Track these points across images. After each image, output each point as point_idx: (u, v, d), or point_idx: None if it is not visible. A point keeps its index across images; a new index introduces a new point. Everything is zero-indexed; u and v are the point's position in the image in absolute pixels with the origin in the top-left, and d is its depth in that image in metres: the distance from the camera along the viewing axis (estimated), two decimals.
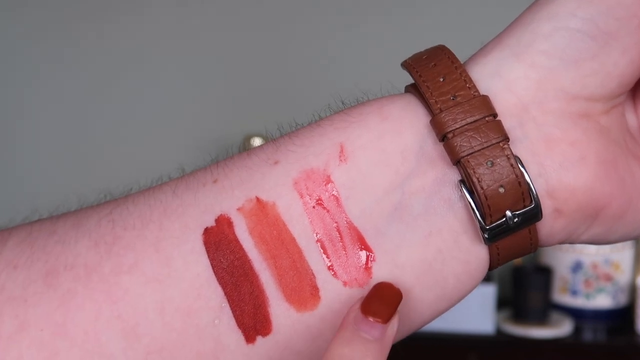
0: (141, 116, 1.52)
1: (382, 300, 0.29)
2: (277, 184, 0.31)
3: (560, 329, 1.32)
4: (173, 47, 1.52)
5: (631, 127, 0.34)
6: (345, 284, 0.30)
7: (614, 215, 0.32)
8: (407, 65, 0.32)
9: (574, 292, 1.37)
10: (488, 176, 0.30)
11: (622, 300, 1.37)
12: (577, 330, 1.34)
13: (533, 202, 0.30)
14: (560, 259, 1.37)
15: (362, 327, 0.29)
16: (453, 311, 1.27)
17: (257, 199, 0.31)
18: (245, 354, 0.30)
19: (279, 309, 0.30)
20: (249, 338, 0.30)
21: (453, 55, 0.32)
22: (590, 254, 1.35)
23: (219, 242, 0.30)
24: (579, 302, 1.36)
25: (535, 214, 0.31)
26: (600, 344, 1.34)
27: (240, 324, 0.30)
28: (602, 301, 1.36)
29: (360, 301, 0.29)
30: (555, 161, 0.31)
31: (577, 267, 1.36)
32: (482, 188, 0.30)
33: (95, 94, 1.52)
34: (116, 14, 1.51)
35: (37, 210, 0.34)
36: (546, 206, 0.31)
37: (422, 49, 0.33)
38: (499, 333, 1.34)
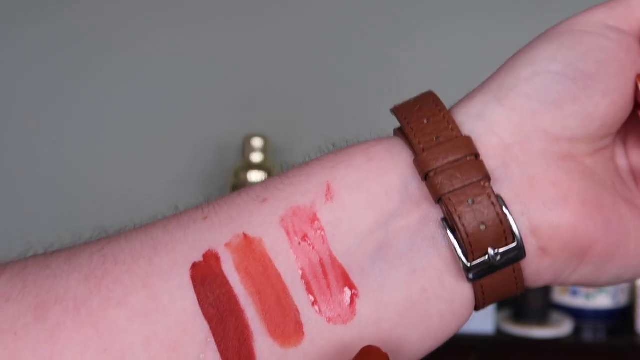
0: (141, 117, 1.52)
1: None
2: (264, 221, 0.31)
3: (560, 329, 1.32)
4: (173, 47, 1.52)
5: (622, 171, 0.34)
6: (329, 320, 0.31)
7: (601, 256, 0.32)
8: (394, 109, 0.33)
9: (574, 292, 1.37)
10: (469, 214, 0.30)
11: (622, 300, 1.37)
12: (577, 330, 1.34)
13: (515, 240, 0.31)
14: None
15: None
16: None
17: (245, 235, 0.31)
18: None
19: (264, 344, 0.30)
20: None
21: (438, 99, 0.33)
22: None
23: (206, 277, 0.31)
24: (579, 302, 1.36)
25: (518, 251, 0.31)
26: (600, 344, 1.34)
27: (225, 359, 0.30)
28: (602, 301, 1.36)
29: None
30: (538, 201, 0.31)
31: None
32: (463, 225, 0.30)
33: (94, 94, 1.52)
34: (115, 14, 1.51)
35: (32, 247, 0.34)
36: (530, 244, 0.31)
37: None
38: (499, 333, 1.34)
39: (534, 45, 0.33)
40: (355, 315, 0.31)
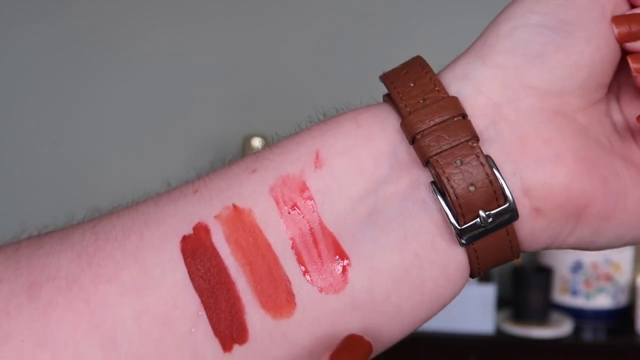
0: (141, 117, 1.52)
1: (352, 352, 0.29)
2: (254, 191, 0.31)
3: (560, 329, 1.32)
4: (173, 47, 1.52)
5: (619, 127, 0.34)
6: (321, 290, 0.30)
7: (598, 215, 0.31)
8: (382, 76, 0.33)
9: (574, 292, 1.37)
10: (457, 175, 0.30)
11: (622, 300, 1.37)
12: (577, 330, 1.34)
13: (507, 201, 0.30)
14: (560, 259, 1.37)
15: None
16: (453, 311, 1.27)
17: (234, 206, 0.31)
18: None
19: (255, 316, 0.30)
20: (226, 346, 0.30)
21: (425, 63, 0.32)
22: (590, 253, 1.35)
23: (196, 250, 0.30)
24: (579, 302, 1.36)
25: (511, 213, 0.30)
26: (600, 344, 1.34)
27: (217, 332, 0.30)
28: (602, 301, 1.36)
29: (329, 352, 0.29)
30: (529, 159, 0.30)
31: (577, 267, 1.36)
32: (452, 187, 0.30)
33: (94, 94, 1.52)
34: (115, 14, 1.51)
35: (27, 229, 0.34)
36: (523, 205, 0.30)
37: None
38: (499, 333, 1.34)
39: (513, 1, 0.33)
40: (347, 283, 0.30)
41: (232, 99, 1.52)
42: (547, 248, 0.32)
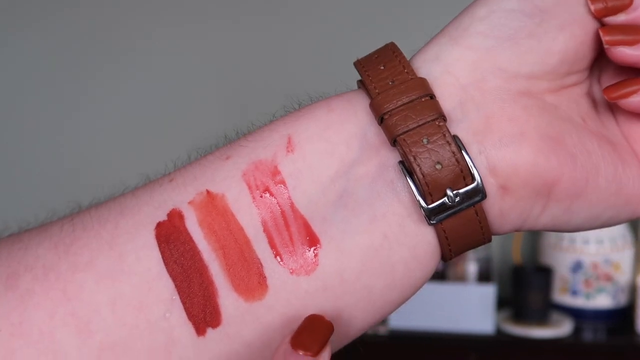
0: (142, 117, 1.52)
1: (312, 332, 0.29)
2: (227, 176, 0.31)
3: (560, 329, 1.32)
4: (173, 47, 1.52)
5: (601, 107, 0.34)
6: (292, 272, 0.31)
7: (567, 193, 0.31)
8: (356, 62, 0.33)
9: (574, 292, 1.37)
10: (424, 154, 0.30)
11: (622, 300, 1.37)
12: (577, 330, 1.34)
13: (474, 180, 0.30)
14: (560, 259, 1.37)
15: None
16: (453, 311, 1.27)
17: (207, 191, 0.31)
18: (196, 346, 0.30)
19: (228, 300, 0.30)
20: (200, 330, 0.30)
21: (396, 47, 0.33)
22: (590, 254, 1.35)
23: (170, 235, 0.31)
24: (579, 302, 1.36)
25: (479, 192, 0.30)
26: (600, 344, 1.34)
27: (191, 316, 0.30)
28: (602, 301, 1.36)
29: (291, 334, 0.29)
30: (494, 137, 0.31)
31: (577, 267, 1.36)
32: (418, 165, 0.30)
33: (93, 94, 1.52)
34: (115, 14, 1.51)
35: (9, 227, 0.35)
36: (490, 184, 0.31)
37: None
38: (499, 333, 1.34)
39: None
40: (318, 265, 0.31)
41: (232, 99, 1.52)
42: (519, 229, 0.32)
